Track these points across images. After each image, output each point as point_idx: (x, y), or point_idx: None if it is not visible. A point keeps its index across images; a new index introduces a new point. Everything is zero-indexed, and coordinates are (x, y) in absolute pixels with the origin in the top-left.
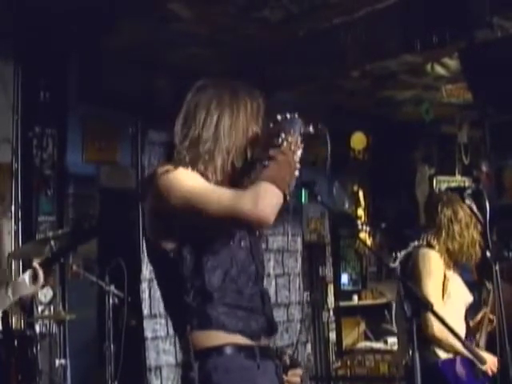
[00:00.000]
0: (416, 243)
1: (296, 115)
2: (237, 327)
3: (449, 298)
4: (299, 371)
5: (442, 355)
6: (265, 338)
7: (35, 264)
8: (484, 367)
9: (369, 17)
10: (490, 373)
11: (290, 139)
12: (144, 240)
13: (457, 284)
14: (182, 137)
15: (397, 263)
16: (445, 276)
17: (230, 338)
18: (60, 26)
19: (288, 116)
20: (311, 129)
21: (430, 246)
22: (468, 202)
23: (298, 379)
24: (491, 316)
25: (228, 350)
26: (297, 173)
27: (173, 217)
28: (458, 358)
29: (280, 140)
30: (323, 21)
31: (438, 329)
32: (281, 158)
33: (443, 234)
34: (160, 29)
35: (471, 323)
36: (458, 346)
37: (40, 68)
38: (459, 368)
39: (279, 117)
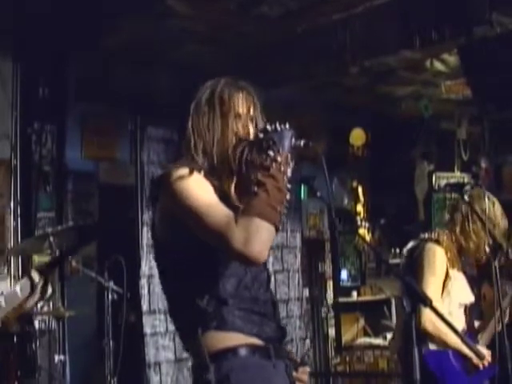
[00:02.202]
0: (426, 236)
1: (287, 126)
2: (252, 331)
3: (448, 295)
4: (308, 369)
5: (432, 347)
6: (276, 343)
7: (32, 273)
8: (476, 361)
9: (368, 13)
10: (481, 367)
11: (279, 159)
12: (153, 241)
13: (459, 284)
14: (187, 138)
15: (404, 252)
16: (447, 274)
17: (245, 339)
18: (59, 23)
19: (278, 127)
20: (302, 143)
21: (437, 241)
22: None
23: (306, 377)
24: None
25: (243, 351)
26: (288, 196)
27: (185, 222)
28: (450, 352)
29: (268, 161)
30: (322, 17)
31: (430, 324)
32: (270, 184)
33: (457, 230)
34: (159, 26)
35: (478, 324)
36: (451, 342)
37: (39, 64)
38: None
39: (268, 127)
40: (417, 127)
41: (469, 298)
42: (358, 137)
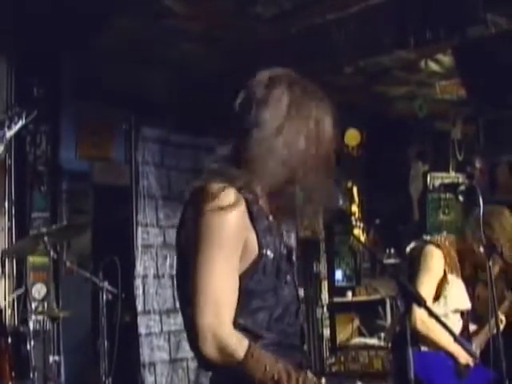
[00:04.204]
0: (428, 238)
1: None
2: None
3: (444, 299)
4: (324, 381)
5: (423, 349)
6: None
7: None
8: (464, 361)
9: (362, 13)
10: (471, 364)
11: None
12: (179, 260)
13: (457, 289)
14: (250, 148)
15: (406, 252)
16: (446, 278)
17: None
18: (54, 22)
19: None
20: None
21: (437, 245)
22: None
23: None
24: (502, 317)
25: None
26: None
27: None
28: (442, 354)
29: None
30: (316, 17)
31: (422, 324)
32: None
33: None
34: (154, 25)
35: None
36: (441, 343)
37: (33, 65)
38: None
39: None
40: (411, 127)
41: (466, 304)
42: (352, 137)
